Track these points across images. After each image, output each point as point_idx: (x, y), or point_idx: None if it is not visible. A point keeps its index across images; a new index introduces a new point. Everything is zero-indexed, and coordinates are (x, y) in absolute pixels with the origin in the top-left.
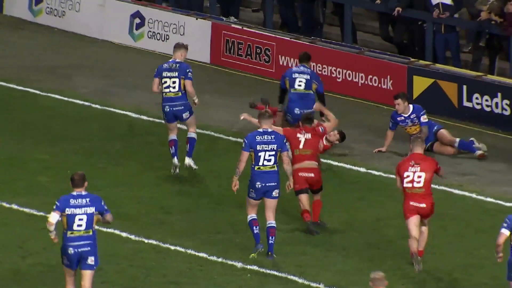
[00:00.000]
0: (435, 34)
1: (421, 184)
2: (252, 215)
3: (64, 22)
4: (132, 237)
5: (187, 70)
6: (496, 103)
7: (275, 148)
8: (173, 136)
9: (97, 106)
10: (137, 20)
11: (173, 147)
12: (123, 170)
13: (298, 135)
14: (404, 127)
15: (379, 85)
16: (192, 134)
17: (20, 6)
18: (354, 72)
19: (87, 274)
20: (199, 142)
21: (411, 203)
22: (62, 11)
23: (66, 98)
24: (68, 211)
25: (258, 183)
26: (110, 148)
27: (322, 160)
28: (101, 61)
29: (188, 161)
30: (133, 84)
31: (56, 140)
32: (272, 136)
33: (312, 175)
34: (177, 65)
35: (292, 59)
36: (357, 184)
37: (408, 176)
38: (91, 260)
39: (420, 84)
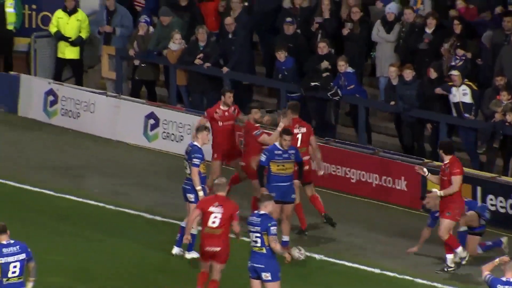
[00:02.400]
0: (459, 130)
1: (216, 224)
2: None
3: (78, 123)
4: None
5: (193, 156)
6: (511, 205)
7: (259, 231)
8: (184, 221)
9: (110, 206)
10: (151, 121)
11: (179, 234)
12: (136, 274)
13: (296, 131)
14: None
15: (394, 186)
16: (183, 223)
17: (35, 108)
18: (368, 173)
19: None
20: None
21: (207, 248)
22: (77, 113)
23: (79, 199)
24: (2, 260)
25: (249, 262)
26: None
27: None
28: (115, 162)
29: (175, 250)
30: (146, 185)
31: (70, 241)
32: (259, 219)
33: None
34: (190, 148)
35: None
36: (370, 285)
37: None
38: None
39: (434, 185)
